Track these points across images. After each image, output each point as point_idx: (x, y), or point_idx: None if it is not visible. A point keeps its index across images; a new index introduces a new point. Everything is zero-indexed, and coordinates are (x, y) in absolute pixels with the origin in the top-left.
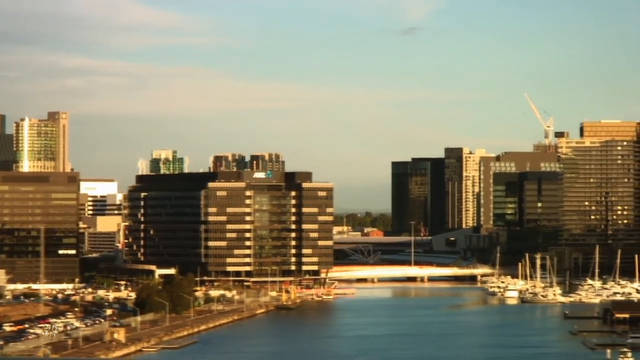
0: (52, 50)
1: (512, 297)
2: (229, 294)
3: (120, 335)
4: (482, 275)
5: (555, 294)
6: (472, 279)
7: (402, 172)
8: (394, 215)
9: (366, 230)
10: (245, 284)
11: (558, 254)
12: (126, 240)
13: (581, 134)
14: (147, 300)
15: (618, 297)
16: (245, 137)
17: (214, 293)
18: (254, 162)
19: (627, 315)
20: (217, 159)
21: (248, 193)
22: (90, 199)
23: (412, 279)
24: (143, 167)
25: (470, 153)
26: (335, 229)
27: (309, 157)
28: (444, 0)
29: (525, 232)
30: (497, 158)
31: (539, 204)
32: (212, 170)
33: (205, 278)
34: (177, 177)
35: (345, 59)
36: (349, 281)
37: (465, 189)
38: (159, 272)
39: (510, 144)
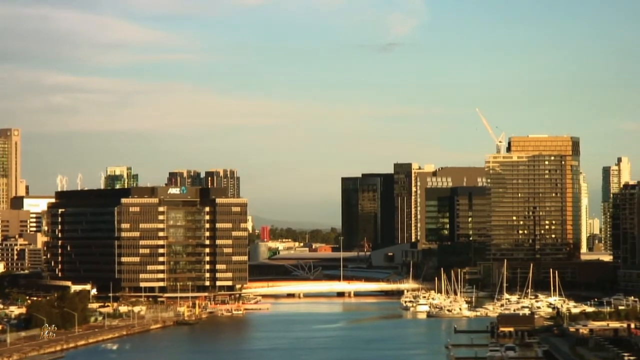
0: (37, 67)
1: (422, 312)
2: (136, 310)
3: None
4: (409, 290)
5: (461, 309)
6: (401, 293)
7: (351, 188)
8: (343, 231)
9: (314, 246)
10: (159, 299)
11: (486, 269)
12: (45, 257)
13: (508, 149)
14: (33, 316)
15: (525, 311)
16: (220, 152)
17: (123, 309)
18: (209, 178)
19: (511, 329)
20: (172, 175)
21: (161, 209)
22: (32, 215)
23: (341, 294)
24: (63, 184)
25: (419, 168)
26: (284, 245)
27: (277, 173)
28: (428, 16)
29: (457, 247)
30: (434, 173)
31: (470, 219)
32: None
33: (118, 294)
34: (93, 193)
35: (322, 75)
36: (276, 296)
37: (414, 205)
38: (74, 288)
39: (464, 159)
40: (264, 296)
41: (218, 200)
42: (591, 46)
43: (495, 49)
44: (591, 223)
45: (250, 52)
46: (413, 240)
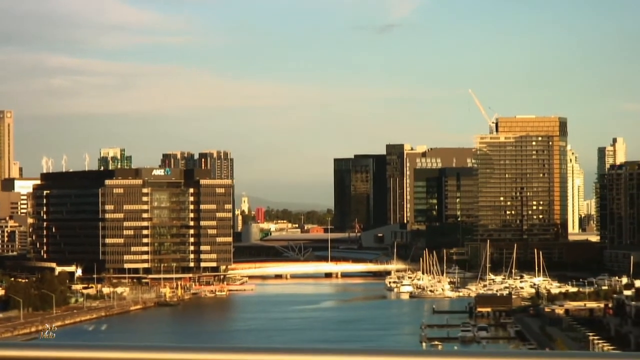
0: (36, 49)
1: (405, 292)
2: (119, 291)
3: None
4: (397, 271)
5: (443, 289)
6: (388, 274)
7: (344, 169)
8: (336, 212)
9: (307, 227)
10: (143, 280)
11: (473, 249)
12: (30, 238)
13: (496, 130)
14: (11, 297)
15: (508, 292)
16: (218, 134)
17: (106, 290)
18: (202, 159)
19: (489, 309)
20: (165, 157)
21: (145, 190)
22: (23, 197)
23: (329, 275)
24: (49, 165)
25: (412, 149)
26: (276, 226)
27: (277, 154)
28: None
29: (445, 228)
30: (423, 154)
31: (458, 200)
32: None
33: (103, 275)
34: (77, 174)
35: (320, 58)
36: (264, 277)
37: (406, 186)
38: (59, 269)
39: (458, 140)
40: (252, 277)
41: (202, 182)
42: (591, 27)
43: (495, 31)
44: (589, 204)
45: (249, 35)
46: (405, 221)
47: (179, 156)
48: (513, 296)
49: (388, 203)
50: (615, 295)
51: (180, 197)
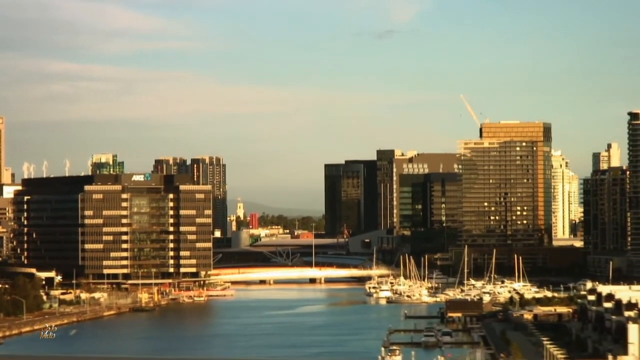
0: (38, 55)
1: (383, 298)
2: (97, 296)
3: None
4: (379, 276)
5: (420, 294)
6: (371, 279)
7: (335, 175)
8: (327, 217)
9: (297, 232)
10: (123, 286)
11: (457, 255)
12: (11, 244)
13: (480, 135)
14: None
15: (486, 297)
16: (216, 140)
17: (84, 295)
18: (194, 165)
19: (459, 314)
20: (158, 162)
21: (124, 196)
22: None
23: (313, 281)
24: (30, 171)
25: (402, 155)
26: (267, 232)
27: (277, 159)
28: (430, 2)
29: (430, 233)
30: (410, 160)
31: (443, 205)
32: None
33: (82, 281)
34: (58, 180)
35: (321, 64)
36: (248, 283)
37: (396, 191)
38: (39, 275)
39: (449, 146)
40: (235, 283)
41: (182, 187)
42: (593, 34)
43: (494, 37)
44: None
45: (248, 40)
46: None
47: (171, 162)
48: (486, 301)
49: (378, 208)
50: (579, 301)
51: (159, 203)
